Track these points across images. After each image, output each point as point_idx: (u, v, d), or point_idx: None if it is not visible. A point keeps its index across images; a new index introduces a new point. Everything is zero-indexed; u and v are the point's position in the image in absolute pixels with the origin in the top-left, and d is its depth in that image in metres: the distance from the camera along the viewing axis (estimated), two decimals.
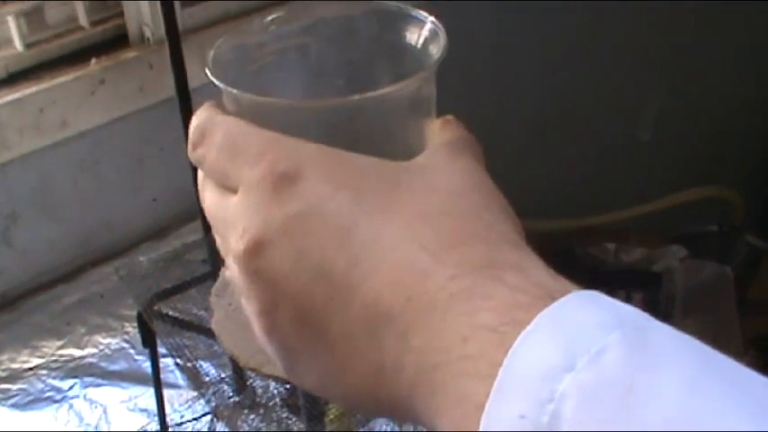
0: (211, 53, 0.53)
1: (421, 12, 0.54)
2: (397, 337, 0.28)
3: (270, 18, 0.58)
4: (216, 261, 0.72)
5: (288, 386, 0.91)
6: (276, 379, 0.59)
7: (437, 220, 0.30)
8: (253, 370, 0.59)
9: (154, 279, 0.70)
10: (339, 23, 0.57)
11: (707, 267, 1.48)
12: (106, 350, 1.05)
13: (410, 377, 0.28)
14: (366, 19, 0.56)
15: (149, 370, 1.01)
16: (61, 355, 1.04)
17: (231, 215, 0.32)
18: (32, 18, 1.09)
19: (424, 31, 0.53)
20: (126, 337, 1.06)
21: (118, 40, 1.13)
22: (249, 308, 0.33)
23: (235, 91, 0.49)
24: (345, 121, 0.55)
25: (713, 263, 1.48)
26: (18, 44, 1.07)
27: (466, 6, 1.35)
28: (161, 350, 0.78)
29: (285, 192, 0.31)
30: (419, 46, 0.54)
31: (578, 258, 1.57)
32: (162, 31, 1.10)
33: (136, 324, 1.07)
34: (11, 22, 1.05)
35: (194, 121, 0.36)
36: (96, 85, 1.08)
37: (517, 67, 1.57)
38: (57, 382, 1.01)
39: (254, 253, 0.31)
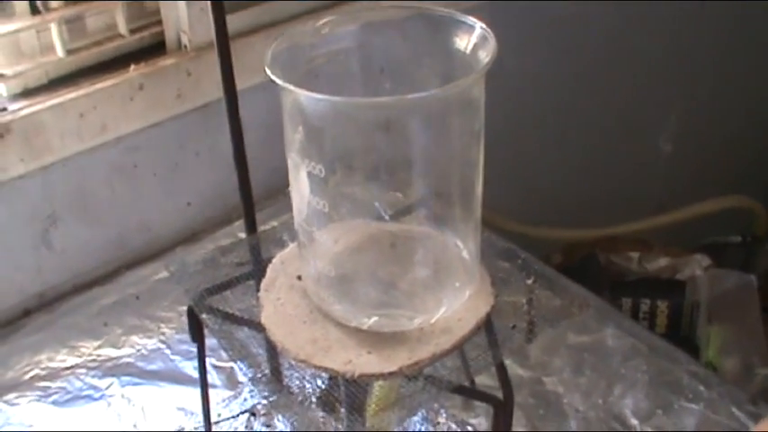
0: (269, 53, 0.56)
1: (470, 17, 0.56)
2: None
3: (322, 22, 0.61)
4: (258, 260, 0.74)
5: (326, 383, 0.93)
6: (325, 370, 0.61)
7: None
8: (302, 362, 0.61)
9: (202, 276, 0.72)
10: (388, 27, 0.60)
11: (731, 276, 1.49)
12: (143, 350, 1.07)
13: None
14: (415, 23, 0.59)
15: (185, 370, 1.04)
16: (99, 355, 1.06)
17: None
18: (73, 26, 1.12)
19: (473, 37, 0.55)
20: (162, 338, 1.08)
21: (156, 48, 1.16)
22: None
23: (292, 87, 0.52)
24: (394, 120, 0.58)
25: (737, 272, 1.49)
26: (59, 51, 1.09)
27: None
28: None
29: None
30: (468, 51, 0.56)
31: (602, 266, 1.58)
32: (199, 38, 1.14)
33: (172, 325, 1.10)
34: (53, 29, 1.08)
35: None
36: (135, 91, 1.11)
37: (541, 79, 1.59)
38: (95, 381, 1.03)
39: None
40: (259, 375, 0.98)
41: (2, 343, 1.09)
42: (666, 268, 1.56)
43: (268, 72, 0.55)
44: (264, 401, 0.99)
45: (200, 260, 0.73)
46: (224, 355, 1.01)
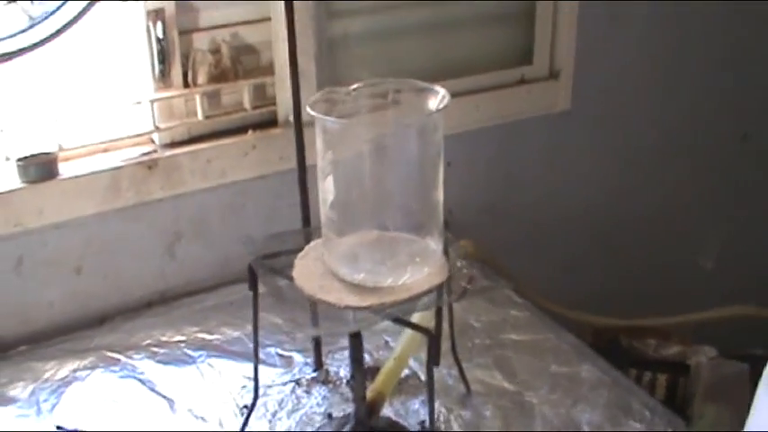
0: (311, 99, 0.94)
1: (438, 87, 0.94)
2: None
3: (353, 87, 0.99)
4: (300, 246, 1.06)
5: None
6: (323, 302, 0.93)
7: None
8: (310, 296, 0.94)
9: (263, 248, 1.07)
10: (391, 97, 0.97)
11: (730, 365, 1.74)
12: (229, 337, 1.43)
13: None
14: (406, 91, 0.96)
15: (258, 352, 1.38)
16: (196, 337, 1.43)
17: None
18: (212, 99, 1.53)
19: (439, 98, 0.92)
20: (245, 331, 1.44)
21: (270, 122, 1.55)
22: None
23: (321, 116, 0.91)
24: (382, 137, 0.96)
25: (735, 361, 1.74)
26: (200, 115, 1.50)
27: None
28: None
29: None
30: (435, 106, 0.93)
31: (623, 348, 1.86)
32: (303, 117, 1.53)
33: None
34: (197, 99, 1.49)
35: None
36: (249, 149, 1.50)
37: (580, 179, 1.92)
38: (190, 352, 1.39)
39: None
40: (307, 361, 1.32)
41: (128, 321, 1.47)
42: (678, 354, 1.82)
43: (308, 109, 0.91)
44: (308, 376, 1.32)
45: (263, 239, 1.09)
46: (285, 344, 1.37)
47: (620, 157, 1.93)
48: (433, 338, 0.92)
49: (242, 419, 1.21)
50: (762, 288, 2.08)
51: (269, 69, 1.54)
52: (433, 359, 0.92)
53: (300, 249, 1.05)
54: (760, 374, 1.65)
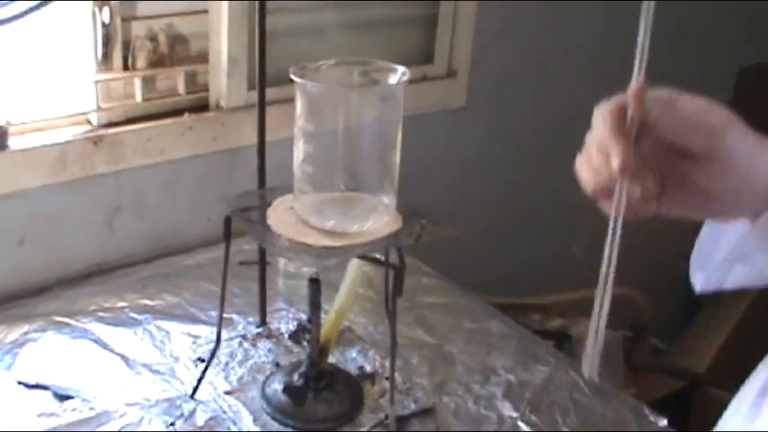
0: (292, 69, 1.07)
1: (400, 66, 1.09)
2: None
3: (320, 63, 1.13)
4: (264, 203, 1.19)
5: (294, 326, 1.41)
6: (302, 244, 1.07)
7: None
8: (288, 240, 1.08)
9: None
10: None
11: (606, 333, 1.96)
12: (170, 303, 1.53)
13: None
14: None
15: (198, 315, 1.50)
16: (138, 303, 1.52)
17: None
18: (149, 83, 1.63)
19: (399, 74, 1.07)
20: (183, 298, 1.54)
21: (201, 106, 1.67)
22: None
23: (300, 80, 1.05)
24: (351, 104, 1.10)
25: (610, 330, 1.96)
26: (138, 97, 1.61)
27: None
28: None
29: None
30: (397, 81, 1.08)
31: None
32: (233, 102, 1.66)
33: (190, 291, 1.56)
34: (136, 83, 1.60)
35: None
36: (186, 129, 1.61)
37: (474, 169, 2.11)
38: (135, 315, 1.49)
39: None
40: (250, 320, 1.44)
41: (69, 290, 1.55)
42: (560, 326, 2.03)
43: (291, 75, 1.04)
44: (253, 332, 1.44)
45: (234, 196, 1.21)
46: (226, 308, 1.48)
47: (511, 149, 2.14)
48: (397, 270, 1.07)
49: (198, 371, 1.31)
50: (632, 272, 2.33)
51: (199, 58, 1.66)
52: (397, 290, 1.07)
53: (268, 205, 1.17)
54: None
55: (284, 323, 1.46)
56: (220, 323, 1.28)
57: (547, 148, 2.18)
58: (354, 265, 1.32)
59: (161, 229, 1.66)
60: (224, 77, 1.65)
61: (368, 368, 1.36)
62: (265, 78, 1.29)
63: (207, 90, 1.67)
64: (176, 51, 1.63)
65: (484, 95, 2.00)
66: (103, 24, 1.53)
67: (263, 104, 1.31)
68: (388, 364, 1.40)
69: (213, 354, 1.29)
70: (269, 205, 1.17)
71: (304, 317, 1.44)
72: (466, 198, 2.09)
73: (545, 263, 2.29)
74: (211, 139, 1.64)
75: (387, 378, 1.32)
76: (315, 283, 1.20)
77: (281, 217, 1.14)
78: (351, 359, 1.39)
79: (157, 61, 1.61)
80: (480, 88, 1.98)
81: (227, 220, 1.17)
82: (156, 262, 1.64)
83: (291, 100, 1.08)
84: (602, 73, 2.14)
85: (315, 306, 1.22)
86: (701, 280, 0.89)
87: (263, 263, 1.40)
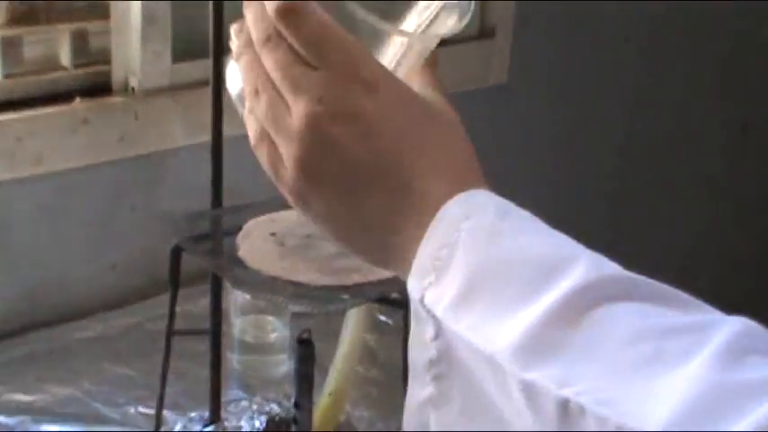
0: None
1: None
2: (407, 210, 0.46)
3: None
4: (219, 229, 0.90)
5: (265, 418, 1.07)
6: (294, 283, 0.83)
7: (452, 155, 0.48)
8: (274, 278, 0.82)
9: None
10: None
11: None
12: (59, 397, 1.01)
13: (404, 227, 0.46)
14: None
15: (108, 412, 1.02)
16: (6, 399, 1.00)
17: (307, 81, 0.44)
18: (12, 50, 1.07)
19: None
20: (86, 384, 1.03)
21: (100, 87, 1.12)
22: (304, 155, 0.45)
23: None
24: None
25: None
26: None
27: None
28: None
29: (365, 91, 0.44)
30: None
31: None
32: (151, 82, 1.11)
33: (94, 376, 1.05)
34: None
35: None
36: (79, 124, 1.07)
37: None
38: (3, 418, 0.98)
39: (331, 118, 0.44)
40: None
41: None
42: None
43: None
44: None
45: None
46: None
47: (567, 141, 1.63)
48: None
49: None
50: None
51: (92, 11, 1.14)
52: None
53: (235, 230, 0.90)
54: None
55: (246, 419, 1.05)
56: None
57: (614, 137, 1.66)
58: (355, 317, 1.00)
59: (37, 281, 1.10)
60: (135, 42, 1.12)
61: None
62: (222, 30, 0.83)
63: (108, 62, 1.13)
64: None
65: (534, 66, 1.47)
66: None
67: (218, 75, 0.85)
68: None
69: None
70: (236, 231, 0.90)
71: (275, 408, 1.09)
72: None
73: None
74: (117, 138, 1.10)
75: None
76: (307, 346, 0.89)
77: (257, 247, 0.88)
78: None
79: (24, 15, 1.10)
80: (529, 55, 1.45)
81: (176, 253, 0.86)
82: (31, 334, 1.09)
83: None
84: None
85: (304, 383, 0.89)
86: None
87: (216, 327, 0.96)
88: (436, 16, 0.54)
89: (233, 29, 0.49)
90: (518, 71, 1.43)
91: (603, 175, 1.66)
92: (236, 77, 0.51)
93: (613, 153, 1.64)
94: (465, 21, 0.52)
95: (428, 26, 0.53)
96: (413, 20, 0.53)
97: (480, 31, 1.39)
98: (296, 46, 0.45)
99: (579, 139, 1.60)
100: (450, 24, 0.54)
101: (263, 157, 0.47)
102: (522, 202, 0.46)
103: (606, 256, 0.42)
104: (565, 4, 1.45)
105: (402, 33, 0.50)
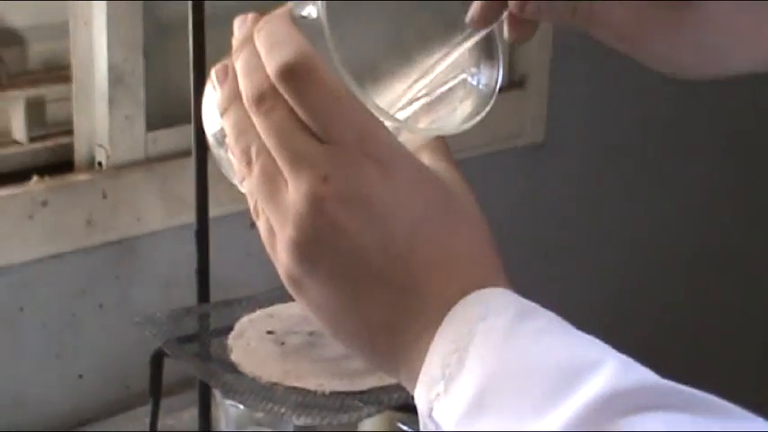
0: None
1: None
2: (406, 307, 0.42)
3: None
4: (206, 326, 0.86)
5: None
6: (294, 390, 0.78)
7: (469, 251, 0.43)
8: (275, 384, 0.78)
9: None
10: None
11: None
12: None
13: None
14: None
15: None
16: None
17: (312, 155, 0.39)
18: None
19: None
20: None
21: (62, 164, 1.00)
22: (302, 239, 0.40)
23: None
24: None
25: None
26: None
27: None
28: None
29: (378, 170, 0.39)
30: None
31: None
32: (121, 154, 0.99)
33: None
34: None
35: (285, 38, 0.40)
36: (37, 207, 0.94)
37: None
38: None
39: (338, 201, 0.39)
40: None
41: None
42: None
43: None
44: None
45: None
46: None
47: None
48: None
49: None
50: None
51: (51, 73, 1.02)
52: None
53: (226, 329, 0.85)
54: None
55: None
56: None
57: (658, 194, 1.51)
58: (371, 429, 0.95)
59: None
60: (102, 107, 1.00)
61: None
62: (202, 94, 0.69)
63: (69, 133, 1.02)
64: (3, 61, 1.02)
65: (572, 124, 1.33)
66: None
67: (201, 144, 0.79)
68: None
69: None
70: (227, 331, 0.85)
71: None
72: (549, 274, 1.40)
73: None
74: (82, 223, 0.97)
75: None
76: None
77: (253, 348, 0.84)
78: None
79: None
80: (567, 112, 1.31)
81: (157, 358, 0.81)
82: None
83: None
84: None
85: None
86: None
87: None
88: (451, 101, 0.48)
89: (215, 71, 0.43)
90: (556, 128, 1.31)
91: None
92: (213, 113, 0.44)
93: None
94: (482, 114, 0.46)
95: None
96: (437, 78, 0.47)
97: (510, 79, 1.25)
98: (297, 111, 0.40)
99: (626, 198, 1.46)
100: (463, 112, 0.48)
101: (261, 230, 0.43)
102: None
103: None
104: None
105: (404, 126, 0.44)
